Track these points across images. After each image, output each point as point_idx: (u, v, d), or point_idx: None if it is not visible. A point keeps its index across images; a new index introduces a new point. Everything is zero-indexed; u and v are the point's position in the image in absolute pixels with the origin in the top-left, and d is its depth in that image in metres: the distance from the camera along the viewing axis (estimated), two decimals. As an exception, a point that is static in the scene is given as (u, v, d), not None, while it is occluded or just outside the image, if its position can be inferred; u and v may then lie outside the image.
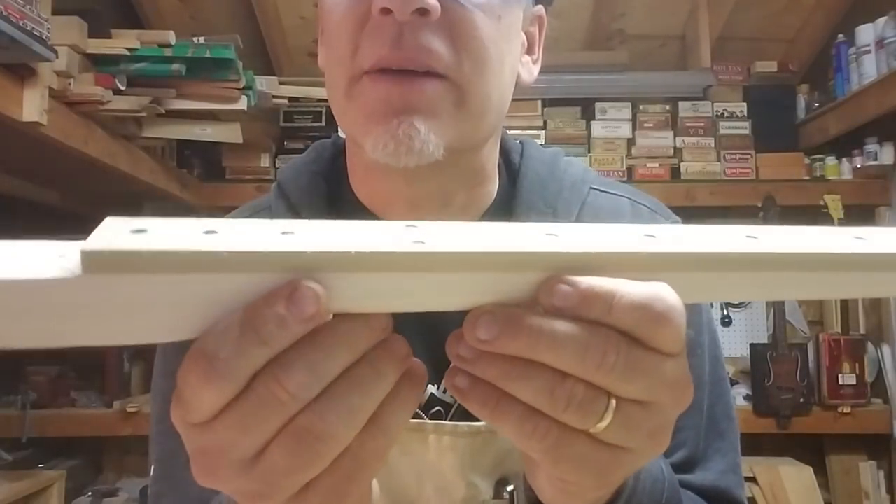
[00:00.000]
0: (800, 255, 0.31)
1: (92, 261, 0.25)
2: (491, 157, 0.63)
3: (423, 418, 0.59)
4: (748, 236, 0.32)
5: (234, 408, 0.29)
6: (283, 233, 0.28)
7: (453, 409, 0.60)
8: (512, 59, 0.57)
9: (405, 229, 0.29)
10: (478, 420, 0.58)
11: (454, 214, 0.61)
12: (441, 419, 0.60)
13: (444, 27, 0.51)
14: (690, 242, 0.31)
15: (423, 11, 0.49)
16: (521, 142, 0.70)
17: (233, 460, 0.30)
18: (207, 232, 0.27)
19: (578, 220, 0.63)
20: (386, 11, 0.49)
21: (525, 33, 0.62)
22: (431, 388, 0.61)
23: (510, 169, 0.67)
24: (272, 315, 0.27)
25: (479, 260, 0.28)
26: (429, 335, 0.62)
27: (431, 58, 0.51)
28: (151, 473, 0.63)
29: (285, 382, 0.28)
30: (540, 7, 0.64)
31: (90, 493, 2.27)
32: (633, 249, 0.30)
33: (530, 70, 0.63)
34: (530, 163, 0.67)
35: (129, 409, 2.22)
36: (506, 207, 0.64)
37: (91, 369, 2.41)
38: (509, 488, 0.59)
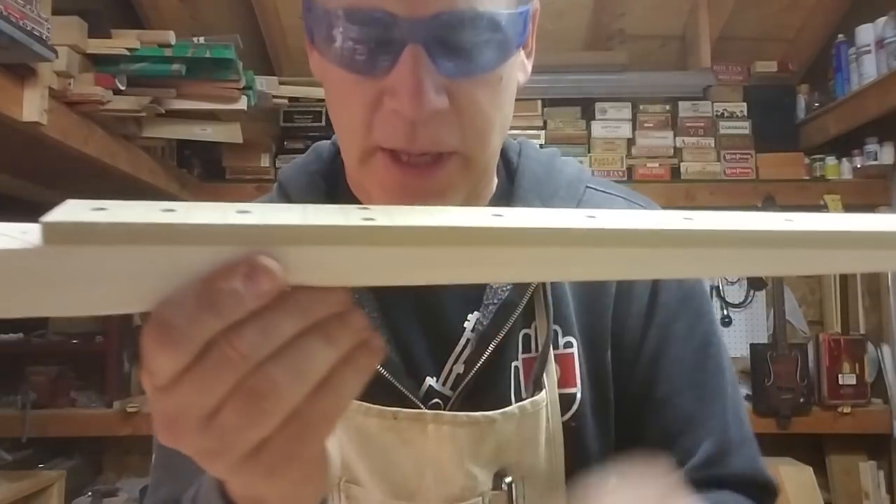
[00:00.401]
0: (720, 231, 0.33)
1: (51, 231, 0.26)
2: (492, 164, 0.64)
3: (422, 408, 0.60)
4: (685, 218, 0.33)
5: (190, 370, 0.30)
6: (239, 212, 0.29)
7: (451, 401, 0.61)
8: (512, 90, 0.59)
9: (359, 210, 0.31)
10: (476, 410, 0.59)
11: None
12: (445, 411, 0.60)
13: (452, 113, 0.52)
14: (624, 222, 0.32)
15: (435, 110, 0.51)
16: (518, 142, 0.71)
17: (191, 420, 0.31)
18: (165, 210, 0.28)
19: None
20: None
21: None
22: (430, 381, 0.62)
23: (508, 168, 0.68)
24: (229, 290, 0.29)
25: (423, 234, 0.30)
26: (427, 329, 0.63)
27: (443, 145, 0.53)
28: (153, 461, 0.65)
29: (237, 343, 0.30)
30: (535, 1, 0.64)
31: (90, 493, 2.27)
32: (571, 226, 0.31)
33: (526, 69, 0.63)
34: (528, 162, 0.68)
35: (129, 409, 2.22)
36: (503, 205, 0.65)
37: (91, 369, 2.41)
38: (507, 480, 0.60)
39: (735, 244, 0.33)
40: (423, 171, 0.53)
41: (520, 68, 0.61)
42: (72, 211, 0.27)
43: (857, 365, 2.37)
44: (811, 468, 2.32)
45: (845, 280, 2.57)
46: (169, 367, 0.30)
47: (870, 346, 2.44)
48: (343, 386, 0.33)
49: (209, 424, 0.31)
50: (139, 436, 2.23)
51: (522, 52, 0.62)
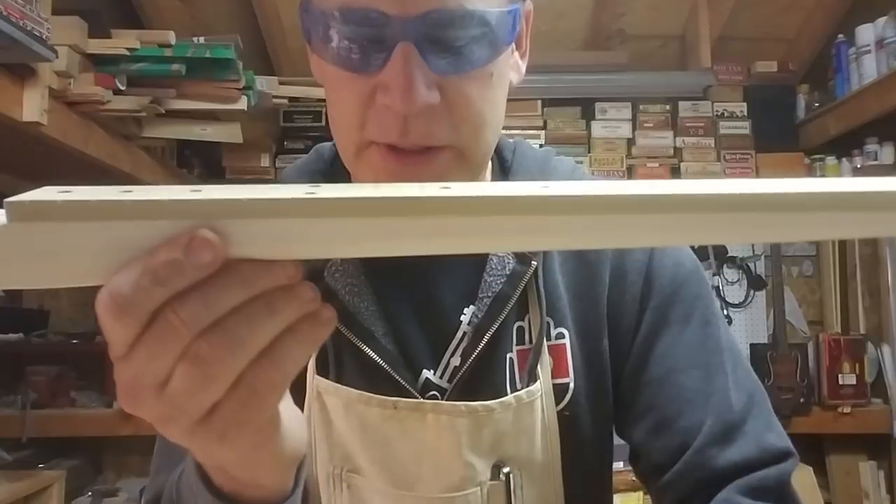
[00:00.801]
0: (668, 196, 0.32)
1: (15, 210, 0.30)
2: (486, 161, 0.65)
3: (421, 399, 0.61)
4: (640, 187, 0.33)
5: (141, 339, 0.32)
6: (192, 190, 0.31)
7: (448, 393, 0.61)
8: (503, 90, 0.60)
9: (306, 186, 0.33)
10: (473, 401, 0.60)
11: None
12: (444, 401, 0.61)
13: (443, 108, 0.54)
14: (576, 189, 0.32)
15: (426, 105, 0.53)
16: (514, 141, 0.72)
17: (146, 387, 0.34)
18: (123, 191, 0.31)
19: None
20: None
21: None
22: (427, 374, 0.63)
23: (503, 166, 0.69)
24: (171, 260, 0.31)
25: (358, 206, 0.31)
26: (425, 322, 0.64)
27: (434, 139, 0.55)
28: (156, 446, 0.66)
29: (180, 312, 0.32)
30: (528, 2, 0.65)
31: (90, 493, 2.27)
32: (516, 194, 0.32)
33: (519, 70, 0.64)
34: (522, 160, 0.69)
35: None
36: None
37: (91, 369, 2.41)
38: (505, 470, 0.61)
39: (686, 209, 0.32)
40: (418, 159, 0.55)
41: (513, 68, 0.62)
42: (38, 193, 0.30)
43: (857, 365, 2.37)
44: (811, 468, 2.32)
45: (845, 280, 2.57)
46: (122, 336, 0.32)
47: (870, 346, 2.44)
48: (288, 355, 0.34)
49: (162, 391, 0.33)
50: (139, 436, 2.23)
51: (516, 53, 0.63)
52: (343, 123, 0.57)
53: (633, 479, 2.20)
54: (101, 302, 0.32)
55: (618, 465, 0.71)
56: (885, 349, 2.44)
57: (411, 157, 0.55)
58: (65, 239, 0.30)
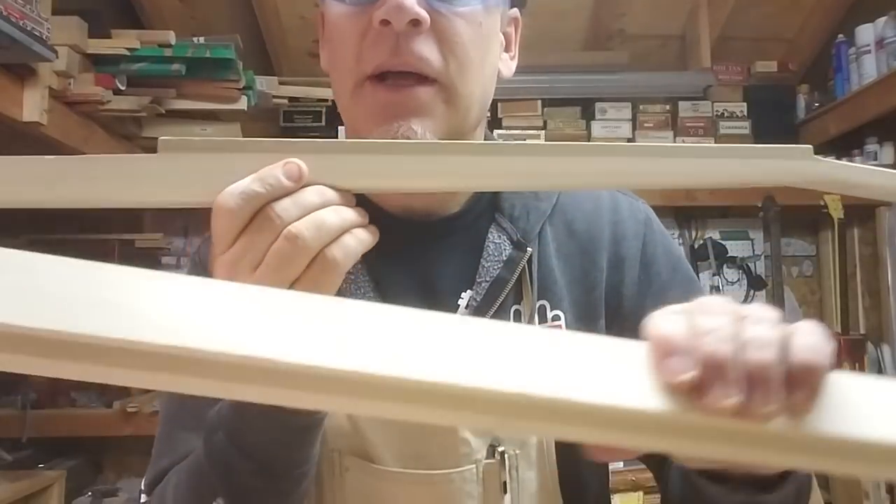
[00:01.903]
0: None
1: (164, 144, 0.45)
2: (474, 111, 0.68)
3: None
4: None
5: (244, 232, 0.45)
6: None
7: None
8: (492, 57, 0.66)
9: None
10: None
11: (443, 196, 0.69)
12: None
13: (433, 36, 0.60)
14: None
15: (416, 23, 0.58)
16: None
17: (242, 268, 0.45)
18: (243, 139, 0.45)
19: (559, 202, 0.72)
20: (385, 23, 0.58)
21: (503, 34, 0.70)
22: None
23: None
24: (272, 173, 0.45)
25: (390, 146, 0.49)
26: (422, 305, 0.64)
27: (423, 63, 0.60)
28: (157, 433, 0.70)
29: (276, 207, 0.45)
30: (515, 10, 0.72)
31: (90, 493, 2.27)
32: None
33: (509, 66, 0.71)
34: None
35: (129, 409, 2.22)
36: (489, 199, 0.72)
37: (91, 369, 2.41)
38: (500, 449, 0.63)
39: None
40: (405, 89, 0.60)
41: (503, 57, 0.70)
42: (179, 134, 0.43)
43: (857, 365, 2.37)
44: (811, 468, 2.32)
45: (845, 280, 2.57)
46: (230, 230, 0.45)
47: (870, 346, 2.44)
48: (349, 243, 0.47)
49: (254, 272, 0.45)
50: (139, 436, 2.23)
51: (505, 55, 0.71)
52: (342, 64, 0.63)
53: (633, 478, 2.20)
54: (220, 204, 0.44)
55: (618, 466, 0.72)
56: (885, 349, 2.44)
57: (401, 88, 0.60)
58: (197, 166, 0.45)
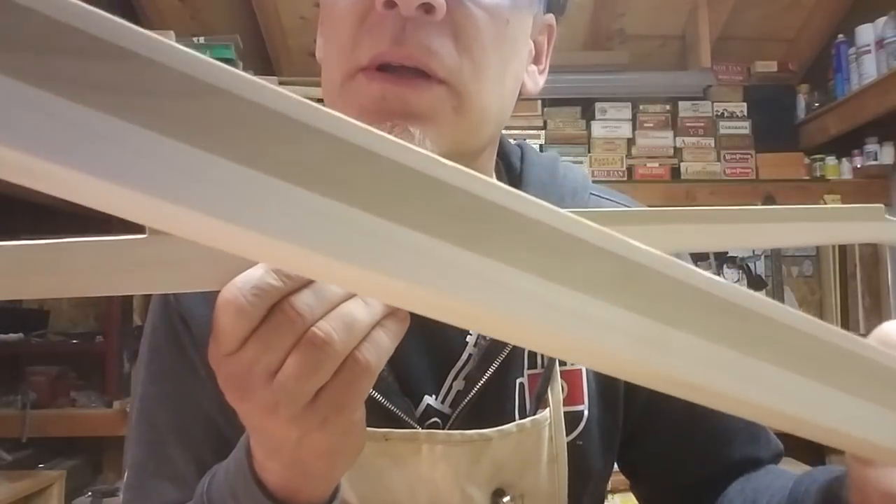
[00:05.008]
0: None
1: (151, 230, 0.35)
2: (488, 164, 0.61)
3: (416, 429, 0.57)
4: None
5: (256, 333, 0.36)
6: None
7: (451, 420, 0.58)
8: (516, 66, 0.55)
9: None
10: (473, 428, 0.57)
11: None
12: (439, 430, 0.58)
13: (447, 28, 0.48)
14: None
15: (429, 8, 0.46)
16: (518, 145, 0.69)
17: (256, 377, 0.36)
18: None
19: None
20: (390, 5, 0.46)
21: (533, 41, 0.60)
22: (428, 399, 0.59)
23: (511, 174, 0.66)
24: None
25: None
26: (428, 346, 0.60)
27: (432, 58, 0.48)
28: (124, 480, 0.61)
29: (296, 304, 0.35)
30: (550, 16, 0.62)
31: (90, 493, 2.27)
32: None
33: (536, 80, 0.60)
34: (533, 169, 0.66)
35: (129, 409, 2.22)
36: None
37: (91, 369, 2.42)
38: (506, 499, 0.58)
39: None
40: (409, 80, 0.48)
41: (530, 69, 0.60)
42: None
43: (857, 365, 2.37)
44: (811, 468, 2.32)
45: (845, 280, 2.57)
46: (239, 331, 0.35)
47: (870, 346, 2.44)
48: (381, 341, 0.38)
49: (271, 381, 0.36)
50: (139, 436, 2.23)
51: (534, 67, 0.61)
52: (333, 53, 0.51)
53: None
54: (226, 299, 0.35)
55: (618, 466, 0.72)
56: (885, 349, 2.44)
57: (403, 80, 0.48)
58: (193, 248, 0.35)
